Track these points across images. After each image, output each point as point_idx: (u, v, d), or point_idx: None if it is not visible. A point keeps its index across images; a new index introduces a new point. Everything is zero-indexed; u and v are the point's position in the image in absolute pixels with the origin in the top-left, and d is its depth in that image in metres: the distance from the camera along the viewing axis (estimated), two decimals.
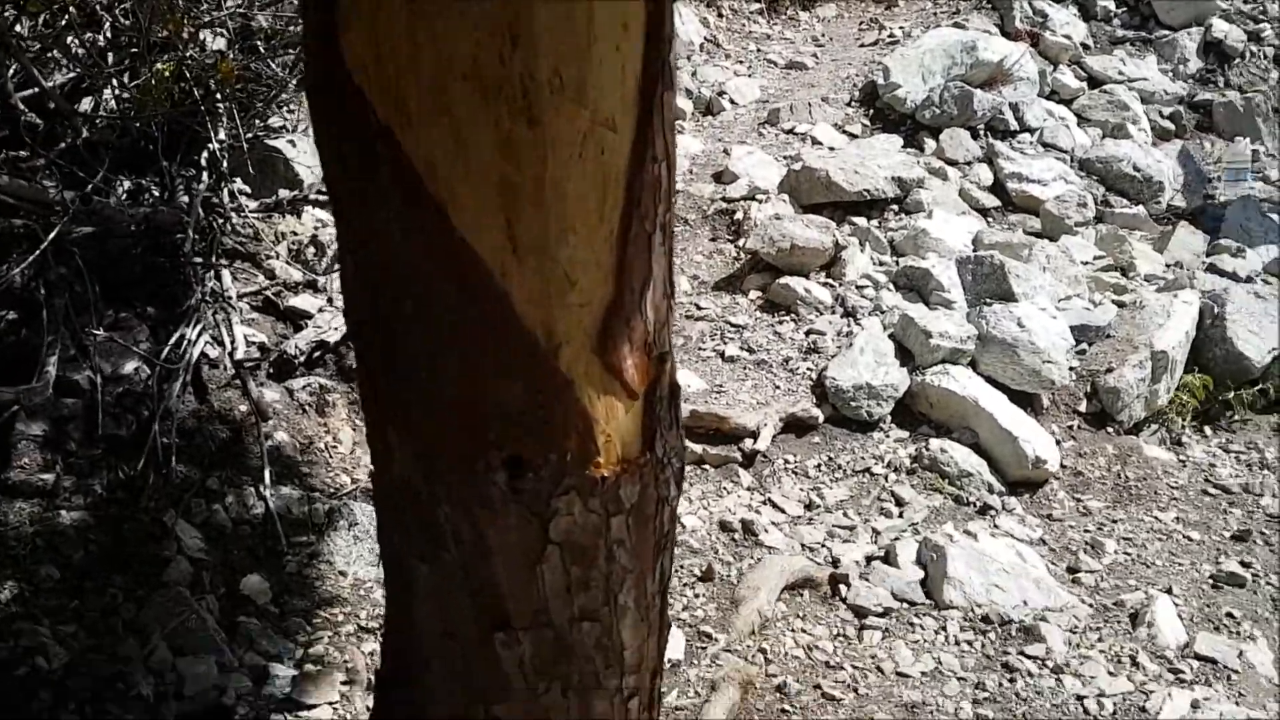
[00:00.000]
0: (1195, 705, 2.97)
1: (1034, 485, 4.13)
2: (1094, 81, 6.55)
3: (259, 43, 3.95)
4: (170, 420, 3.12)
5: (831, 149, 5.62)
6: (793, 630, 3.35)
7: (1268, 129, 6.67)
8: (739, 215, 5.26)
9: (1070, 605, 3.49)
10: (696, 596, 3.36)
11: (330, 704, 2.68)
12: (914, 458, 4.15)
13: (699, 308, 4.74)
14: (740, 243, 5.08)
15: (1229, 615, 3.48)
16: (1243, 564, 3.72)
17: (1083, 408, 4.45)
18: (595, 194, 1.07)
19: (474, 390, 1.09)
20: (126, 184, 3.78)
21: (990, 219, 5.45)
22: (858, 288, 4.79)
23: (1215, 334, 4.64)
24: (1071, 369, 4.50)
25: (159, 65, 3.57)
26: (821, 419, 4.23)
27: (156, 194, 3.79)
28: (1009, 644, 3.31)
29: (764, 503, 3.91)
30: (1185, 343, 4.59)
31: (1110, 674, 3.15)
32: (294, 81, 3.99)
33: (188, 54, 3.61)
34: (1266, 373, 4.63)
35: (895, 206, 5.23)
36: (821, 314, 4.69)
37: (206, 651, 2.69)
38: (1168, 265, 5.34)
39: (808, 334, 4.57)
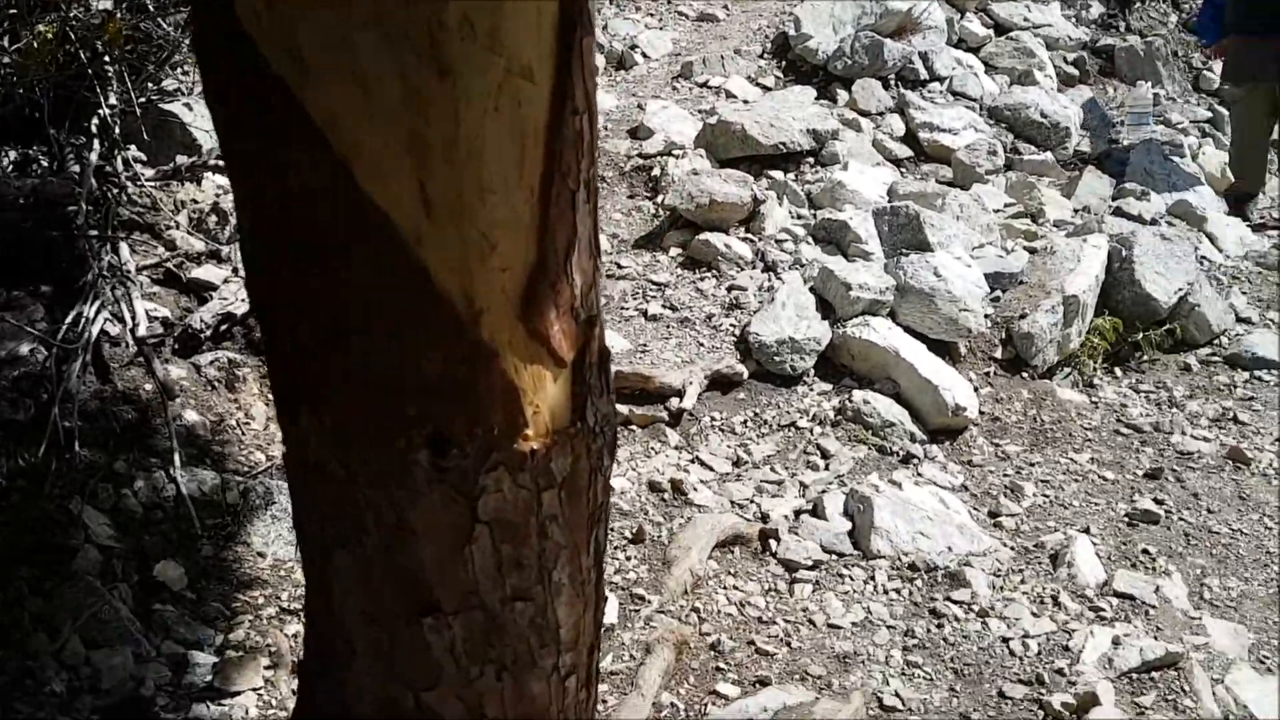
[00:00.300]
0: (1116, 642, 3.05)
1: (954, 432, 4.19)
2: (1000, 29, 6.62)
3: (148, 1, 3.73)
4: (71, 403, 2.96)
5: (746, 102, 5.58)
6: (725, 588, 3.36)
7: (1167, 72, 6.84)
8: (656, 171, 5.20)
9: (993, 549, 3.56)
10: (628, 559, 3.33)
11: (255, 690, 2.60)
12: (838, 410, 4.17)
13: (620, 266, 4.67)
14: (659, 199, 5.03)
15: (1145, 552, 3.59)
16: (1156, 501, 3.83)
17: (999, 354, 4.52)
18: (513, 150, 1.00)
19: (390, 364, 1.02)
20: (12, 154, 3.57)
21: (904, 169, 5.48)
22: (777, 242, 4.78)
23: (1123, 276, 4.75)
24: (987, 316, 4.57)
25: (41, 27, 3.35)
26: (746, 375, 4.23)
27: (45, 164, 3.58)
28: (936, 590, 3.36)
29: (692, 461, 3.90)
30: (1095, 286, 4.69)
31: (1034, 615, 3.22)
32: (187, 41, 3.79)
33: (72, 14, 3.39)
34: (1173, 313, 4.76)
35: (811, 159, 5.23)
36: (743, 269, 4.67)
37: (121, 642, 2.58)
38: (1076, 210, 5.44)
39: (730, 290, 4.55)
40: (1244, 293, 5.13)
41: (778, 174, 5.10)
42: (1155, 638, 3.10)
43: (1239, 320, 4.91)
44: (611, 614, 3.04)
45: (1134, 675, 2.96)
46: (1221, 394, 4.54)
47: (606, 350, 1.16)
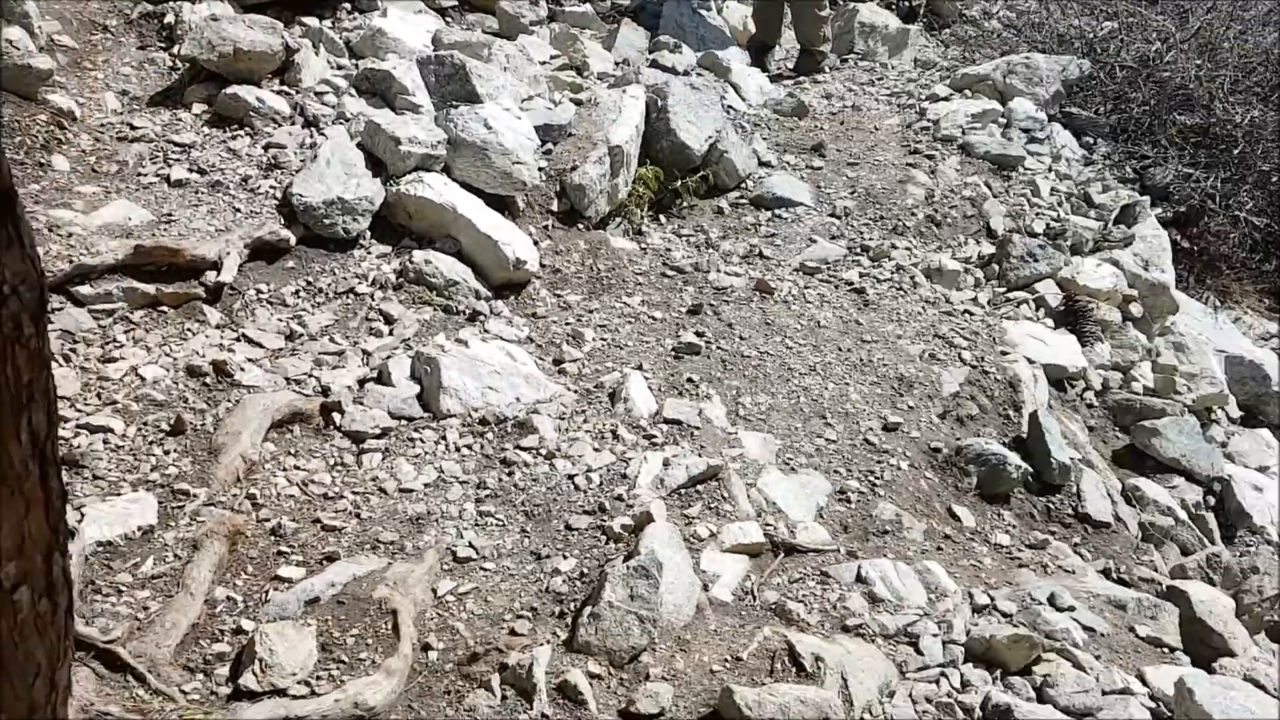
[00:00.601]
0: (666, 463, 3.28)
1: (517, 286, 4.23)
2: None
3: None
4: None
5: None
6: (284, 469, 3.15)
7: None
8: (170, 19, 4.57)
9: (558, 394, 3.66)
10: (167, 453, 3.00)
11: None
12: (399, 272, 4.03)
13: (133, 127, 4.08)
14: (175, 50, 4.43)
15: (689, 380, 3.88)
16: (697, 334, 4.13)
17: (555, 206, 4.59)
18: None
19: None
20: None
21: (449, 18, 5.29)
22: (317, 94, 4.43)
23: (661, 126, 4.98)
24: (541, 169, 4.60)
25: None
26: (294, 241, 3.93)
27: None
28: (506, 441, 3.40)
29: (238, 339, 3.57)
30: (636, 137, 4.87)
31: (595, 450, 3.37)
32: None
33: None
34: (706, 160, 5.09)
35: (347, 4, 4.86)
36: (280, 125, 4.28)
37: None
38: (617, 63, 5.59)
39: (267, 148, 4.16)
40: (764, 138, 5.61)
41: (312, 20, 4.69)
42: (700, 455, 3.38)
43: (761, 164, 5.37)
44: (149, 515, 2.73)
45: (682, 491, 3.21)
46: (749, 233, 4.98)
47: (10, 193, 0.92)
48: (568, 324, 4.14)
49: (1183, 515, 4.16)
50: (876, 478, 3.62)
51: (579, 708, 2.52)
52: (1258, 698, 2.56)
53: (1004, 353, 4.37)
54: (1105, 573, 3.63)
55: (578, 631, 2.68)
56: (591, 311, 4.24)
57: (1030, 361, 4.38)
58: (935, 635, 2.85)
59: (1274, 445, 5.07)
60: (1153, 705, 2.64)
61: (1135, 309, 5.00)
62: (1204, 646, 3.13)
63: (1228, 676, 2.81)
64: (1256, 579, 3.79)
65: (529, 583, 2.89)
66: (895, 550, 3.28)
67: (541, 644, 2.67)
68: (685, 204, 5.09)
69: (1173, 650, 3.03)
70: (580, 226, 4.66)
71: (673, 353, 4.03)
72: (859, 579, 3.04)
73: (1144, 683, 2.75)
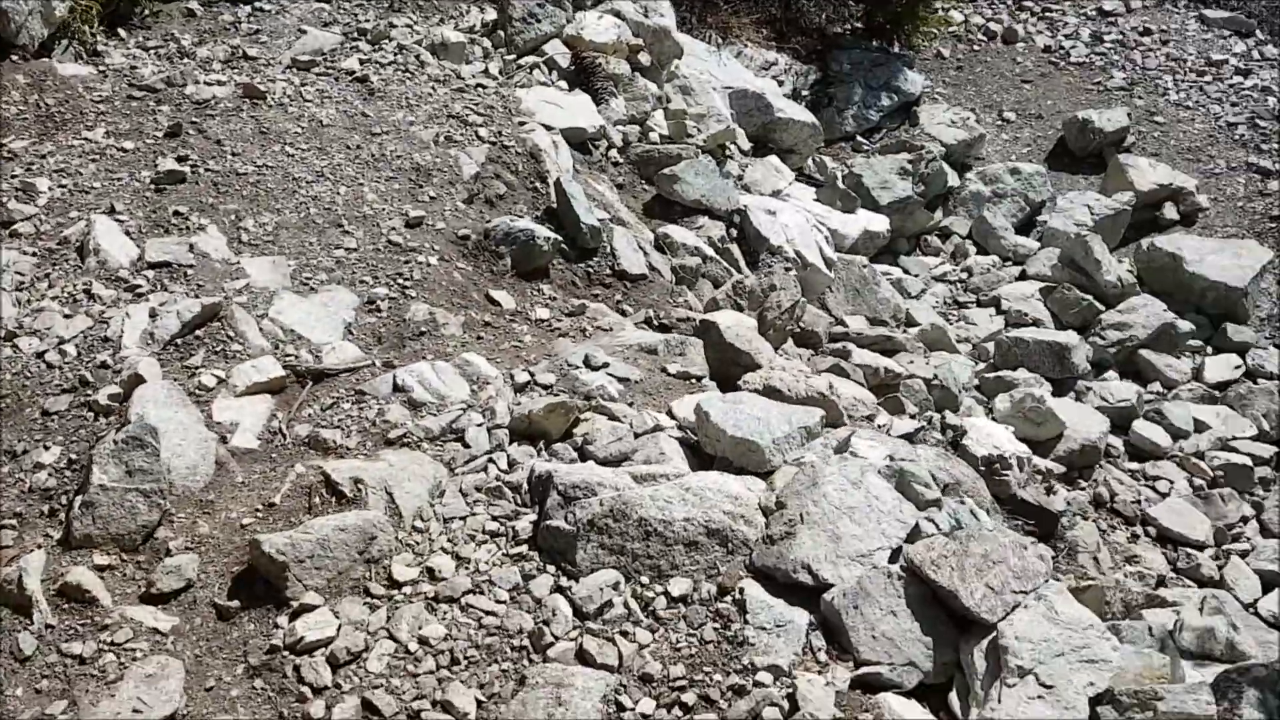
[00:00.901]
0: (153, 314, 2.88)
1: None
2: None
3: None
4: None
5: None
6: None
7: None
8: None
9: (12, 262, 3.07)
10: None
11: None
12: None
13: None
14: None
15: (176, 213, 3.40)
16: (180, 159, 3.61)
17: None
18: None
19: None
20: None
21: None
22: None
23: None
24: None
25: None
26: None
27: None
28: None
29: None
30: None
31: (66, 317, 2.89)
32: None
33: None
34: None
35: None
36: None
37: None
38: None
39: None
40: None
41: None
42: (195, 296, 3.00)
43: None
44: None
45: (179, 340, 2.85)
46: (228, 33, 4.39)
47: None
48: (14, 176, 3.45)
49: (710, 252, 4.42)
50: (406, 279, 3.45)
51: (90, 606, 2.22)
52: (763, 404, 2.78)
53: (522, 123, 4.26)
54: (647, 321, 3.78)
55: (73, 526, 2.33)
56: (44, 157, 3.56)
57: (549, 128, 4.32)
58: (480, 424, 2.80)
59: (783, 169, 5.51)
60: (681, 434, 2.79)
61: (644, 58, 5.07)
62: (735, 367, 3.36)
63: (742, 392, 3.03)
64: (776, 295, 4.14)
65: (8, 486, 2.46)
66: (434, 350, 3.16)
67: (32, 550, 2.30)
68: (147, 11, 4.38)
69: (700, 379, 3.22)
70: (15, 58, 3.87)
71: (152, 186, 3.50)
72: (396, 388, 2.90)
73: (672, 416, 2.89)
